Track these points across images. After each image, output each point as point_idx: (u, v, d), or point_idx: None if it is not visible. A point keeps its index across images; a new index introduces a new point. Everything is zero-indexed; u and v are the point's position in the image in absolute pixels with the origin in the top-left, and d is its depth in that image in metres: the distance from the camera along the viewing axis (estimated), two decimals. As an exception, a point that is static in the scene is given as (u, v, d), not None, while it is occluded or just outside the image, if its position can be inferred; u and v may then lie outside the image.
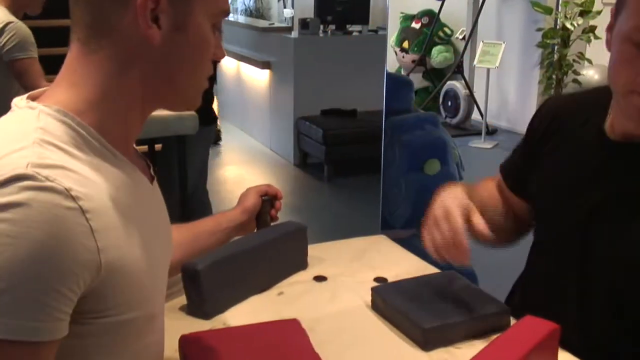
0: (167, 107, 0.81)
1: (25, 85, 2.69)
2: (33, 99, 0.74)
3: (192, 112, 2.91)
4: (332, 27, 5.46)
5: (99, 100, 0.73)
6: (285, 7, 8.99)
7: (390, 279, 1.31)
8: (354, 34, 5.48)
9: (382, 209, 2.66)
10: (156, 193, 0.86)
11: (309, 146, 5.19)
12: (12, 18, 2.69)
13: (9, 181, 0.61)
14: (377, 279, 1.32)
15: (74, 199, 0.63)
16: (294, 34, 5.49)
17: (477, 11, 5.85)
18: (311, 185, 5.00)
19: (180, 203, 2.99)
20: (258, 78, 5.82)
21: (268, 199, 1.36)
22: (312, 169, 5.24)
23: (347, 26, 5.50)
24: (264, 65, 5.54)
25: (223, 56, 0.82)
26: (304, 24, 5.34)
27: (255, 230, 1.34)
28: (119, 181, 0.72)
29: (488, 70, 5.67)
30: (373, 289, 1.20)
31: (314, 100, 5.26)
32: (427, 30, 6.31)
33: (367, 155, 4.98)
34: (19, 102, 0.74)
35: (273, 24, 6.77)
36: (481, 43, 5.82)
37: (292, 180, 5.13)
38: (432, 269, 1.37)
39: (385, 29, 5.78)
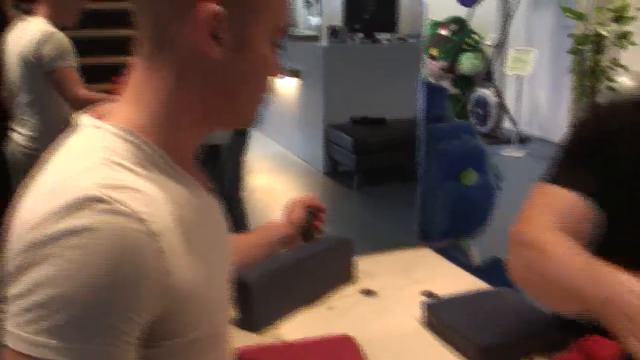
0: (224, 124, 0.81)
1: (64, 94, 2.73)
2: (97, 116, 0.74)
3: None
4: (360, 35, 5.45)
5: (161, 117, 0.73)
6: (311, 15, 9.03)
7: (439, 293, 1.29)
8: (384, 42, 5.46)
9: (418, 218, 2.64)
10: (215, 206, 0.85)
11: (338, 154, 5.18)
12: (51, 28, 2.73)
13: (76, 204, 0.61)
14: (425, 293, 1.30)
15: (142, 221, 0.62)
16: (323, 42, 5.50)
17: (506, 17, 5.80)
18: (341, 193, 4.99)
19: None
20: (286, 86, 5.84)
21: (312, 211, 1.35)
22: (341, 177, 5.23)
23: (375, 34, 5.48)
24: (292, 73, 5.55)
25: (280, 74, 0.81)
26: (333, 32, 5.34)
27: (301, 242, 1.33)
28: (184, 199, 0.71)
29: (519, 77, 5.61)
30: (426, 305, 1.18)
31: (343, 108, 5.25)
32: (456, 37, 6.27)
33: (396, 164, 4.97)
34: (85, 121, 0.73)
35: (301, 32, 6.79)
36: (511, 50, 5.77)
37: (322, 188, 5.12)
38: (480, 283, 1.35)
39: (413, 36, 5.76)
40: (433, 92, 2.73)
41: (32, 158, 2.81)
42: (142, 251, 0.62)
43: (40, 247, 0.60)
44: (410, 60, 5.38)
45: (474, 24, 6.27)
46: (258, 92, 0.78)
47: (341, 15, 5.54)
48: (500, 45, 5.89)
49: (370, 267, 1.42)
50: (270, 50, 0.77)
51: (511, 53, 5.75)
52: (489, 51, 6.21)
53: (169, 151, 0.72)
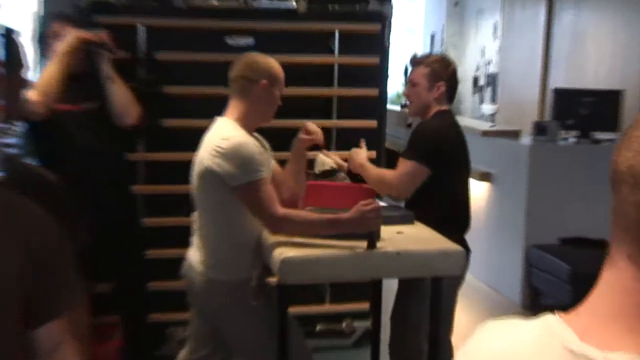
0: None
1: (256, 213, 2.18)
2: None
3: (459, 248, 2.24)
4: (573, 132, 4.38)
5: None
6: (482, 102, 8.03)
7: None
8: (604, 143, 4.32)
9: None
10: None
11: (544, 283, 4.07)
12: (235, 135, 2.20)
13: None
14: None
15: None
16: (525, 140, 4.47)
17: None
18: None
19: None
20: (473, 193, 4.82)
21: None
22: (545, 313, 4.07)
23: (592, 133, 4.38)
24: (481, 177, 4.54)
25: None
26: (540, 128, 4.31)
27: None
28: None
29: None
30: None
31: (550, 225, 4.16)
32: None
33: None
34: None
35: (468, 123, 5.82)
36: None
37: (520, 326, 3.98)
38: None
39: None
40: None
41: (210, 286, 2.24)
42: None
43: None
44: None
45: None
46: None
47: (552, 107, 4.51)
48: None
49: None
50: None
51: None
52: None
53: None
